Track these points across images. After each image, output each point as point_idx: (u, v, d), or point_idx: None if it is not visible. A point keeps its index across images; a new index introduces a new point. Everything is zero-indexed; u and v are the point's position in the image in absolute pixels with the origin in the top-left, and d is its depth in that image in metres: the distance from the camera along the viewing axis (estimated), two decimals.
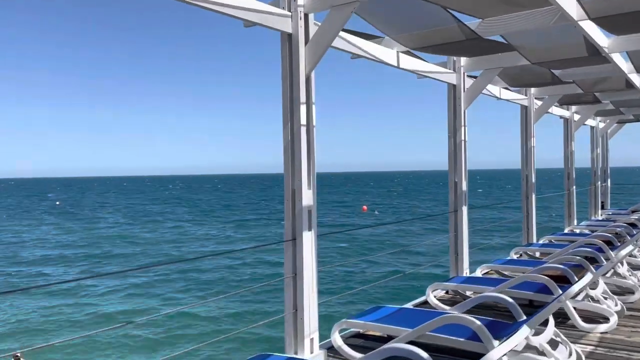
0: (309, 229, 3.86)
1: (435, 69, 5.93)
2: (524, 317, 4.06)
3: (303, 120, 3.81)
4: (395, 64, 5.15)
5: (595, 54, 5.44)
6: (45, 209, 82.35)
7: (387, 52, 5.04)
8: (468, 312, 4.77)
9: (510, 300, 4.06)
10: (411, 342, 3.87)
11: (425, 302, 5.55)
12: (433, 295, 5.56)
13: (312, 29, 3.85)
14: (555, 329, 4.03)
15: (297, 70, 3.79)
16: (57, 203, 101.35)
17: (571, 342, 4.19)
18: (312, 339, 3.87)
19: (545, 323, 3.90)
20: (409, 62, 5.40)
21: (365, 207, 60.61)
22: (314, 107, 3.90)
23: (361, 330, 4.34)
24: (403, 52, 5.25)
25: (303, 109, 3.81)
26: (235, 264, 25.33)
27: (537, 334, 3.72)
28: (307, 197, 3.84)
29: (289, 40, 3.80)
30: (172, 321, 17.23)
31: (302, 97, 3.81)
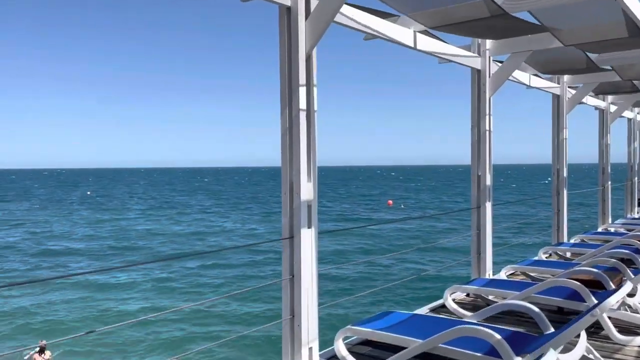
0: (309, 226, 3.46)
1: (458, 52, 5.44)
2: (552, 330, 3.60)
3: (302, 104, 3.41)
4: (412, 45, 4.69)
5: (637, 34, 4.88)
6: (75, 199, 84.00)
7: (403, 32, 4.58)
8: (489, 320, 4.31)
9: (537, 310, 3.59)
10: (422, 355, 3.45)
11: (443, 306, 5.10)
12: (452, 299, 5.10)
13: (314, 2, 3.43)
14: (588, 345, 3.55)
15: (296, 48, 3.38)
16: (88, 193, 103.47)
17: (605, 357, 3.71)
18: (310, 348, 3.49)
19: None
20: (428, 44, 4.93)
21: (390, 201, 59.96)
22: (315, 89, 3.49)
23: (368, 338, 3.93)
24: (421, 31, 4.78)
25: (303, 91, 3.41)
26: (259, 259, 25.07)
27: (565, 350, 3.26)
28: (307, 190, 3.44)
29: (287, 14, 3.39)
30: (166, 321, 17.09)
31: (302, 79, 3.40)
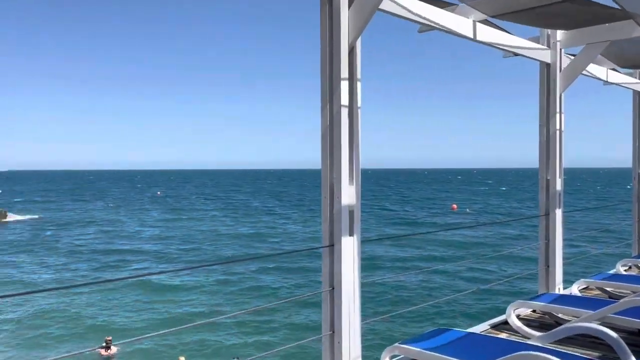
0: (350, 234, 3.16)
1: (524, 44, 4.95)
2: (632, 358, 3.10)
3: (344, 100, 3.11)
4: (472, 37, 4.28)
5: None
6: (147, 200, 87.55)
7: (462, 22, 4.18)
8: (557, 342, 3.83)
9: (614, 336, 3.11)
10: None
11: (505, 323, 4.63)
12: (515, 315, 4.63)
13: None
14: None
15: (338, 39, 3.10)
16: (158, 193, 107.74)
17: None
18: None
19: None
20: (490, 35, 4.49)
21: (455, 205, 58.29)
22: (359, 84, 3.19)
23: (417, 359, 3.57)
24: (481, 21, 4.36)
25: (345, 86, 3.12)
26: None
27: None
28: (349, 194, 3.14)
29: (329, 2, 3.12)
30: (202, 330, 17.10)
31: (344, 72, 3.11)
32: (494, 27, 4.56)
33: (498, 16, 4.21)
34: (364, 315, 3.31)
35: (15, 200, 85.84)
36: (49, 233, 43.68)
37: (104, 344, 15.88)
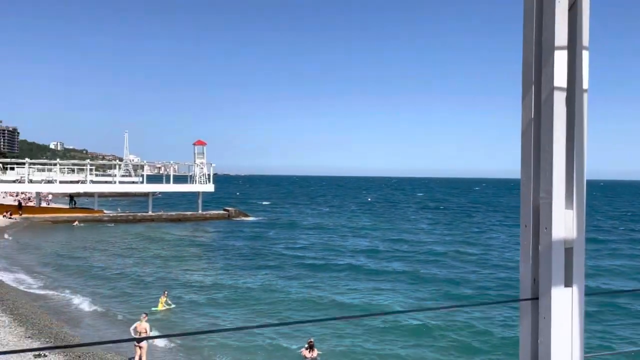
0: (568, 283, 2.06)
1: None
2: None
3: (560, 80, 2.04)
4: None
5: None
6: (358, 205, 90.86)
7: None
8: None
9: None
10: None
11: None
12: None
13: None
14: None
15: None
16: (369, 199, 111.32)
17: None
18: None
19: None
20: None
21: None
22: (584, 55, 2.08)
23: None
24: None
25: (560, 59, 2.05)
26: None
27: None
28: (566, 222, 2.06)
29: None
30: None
31: (560, 37, 2.05)
32: None
33: None
34: None
35: (250, 201, 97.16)
36: (271, 233, 48.05)
37: (306, 345, 16.34)
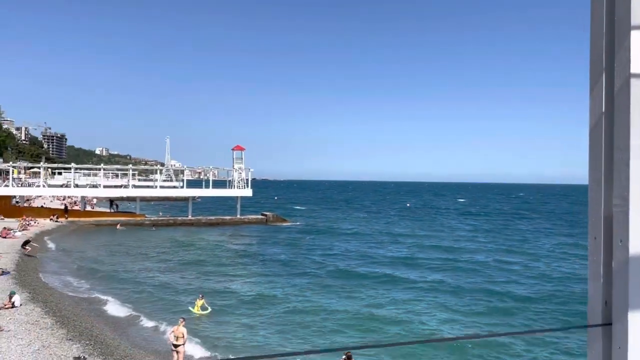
0: None
1: None
2: None
3: (637, 66, 1.73)
4: None
5: None
6: (396, 211, 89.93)
7: None
8: None
9: None
10: None
11: None
12: None
13: None
14: None
15: None
16: (408, 205, 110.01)
17: None
18: None
19: None
20: None
21: None
22: None
23: None
24: None
25: (638, 39, 1.73)
26: None
27: None
28: None
29: None
30: None
31: (637, 16, 1.73)
32: None
33: None
34: None
35: (288, 206, 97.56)
36: (308, 239, 47.97)
37: (344, 357, 16.02)
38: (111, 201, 65.22)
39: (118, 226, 53.16)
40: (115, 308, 21.57)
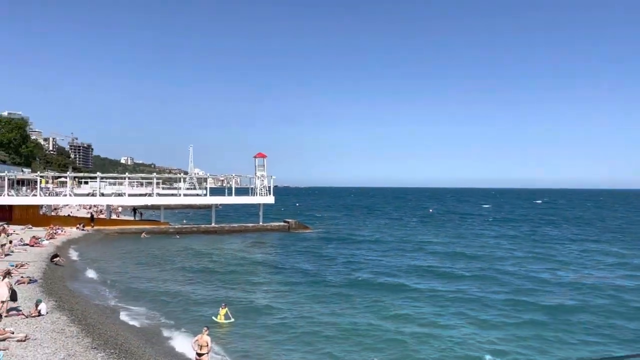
0: None
1: None
2: None
3: None
4: None
5: None
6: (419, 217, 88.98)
7: None
8: None
9: None
10: None
11: None
12: None
13: None
14: None
15: None
16: (430, 210, 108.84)
17: None
18: None
19: None
20: None
21: None
22: None
23: None
24: None
25: None
26: None
27: None
28: None
29: None
30: None
31: None
32: None
33: None
34: None
35: (309, 213, 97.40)
36: (330, 247, 47.70)
37: None
38: (135, 209, 66.02)
39: (143, 235, 53.64)
40: (139, 317, 21.63)
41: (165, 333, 19.41)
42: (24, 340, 15.45)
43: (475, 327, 20.87)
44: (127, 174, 73.72)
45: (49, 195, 64.14)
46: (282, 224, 64.18)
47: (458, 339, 19.15)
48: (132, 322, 20.72)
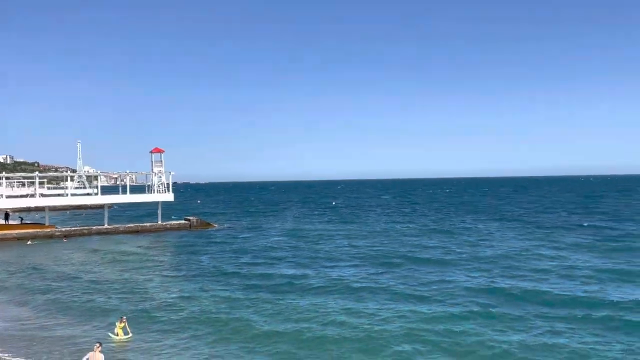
0: None
1: None
2: None
3: None
4: None
5: None
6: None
7: None
8: None
9: None
10: None
11: None
12: None
13: None
14: None
15: None
16: (333, 203, 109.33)
17: None
18: None
19: None
20: None
21: None
22: None
23: None
24: None
25: None
26: None
27: None
28: None
29: None
30: None
31: None
32: None
33: None
34: None
35: (212, 210, 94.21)
36: (235, 244, 45.89)
37: None
38: (7, 214, 57.96)
39: (29, 241, 48.39)
40: (23, 329, 18.82)
41: (54, 349, 16.92)
42: None
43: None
44: (3, 173, 66.30)
45: None
46: (182, 222, 61.10)
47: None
48: (14, 334, 17.85)
